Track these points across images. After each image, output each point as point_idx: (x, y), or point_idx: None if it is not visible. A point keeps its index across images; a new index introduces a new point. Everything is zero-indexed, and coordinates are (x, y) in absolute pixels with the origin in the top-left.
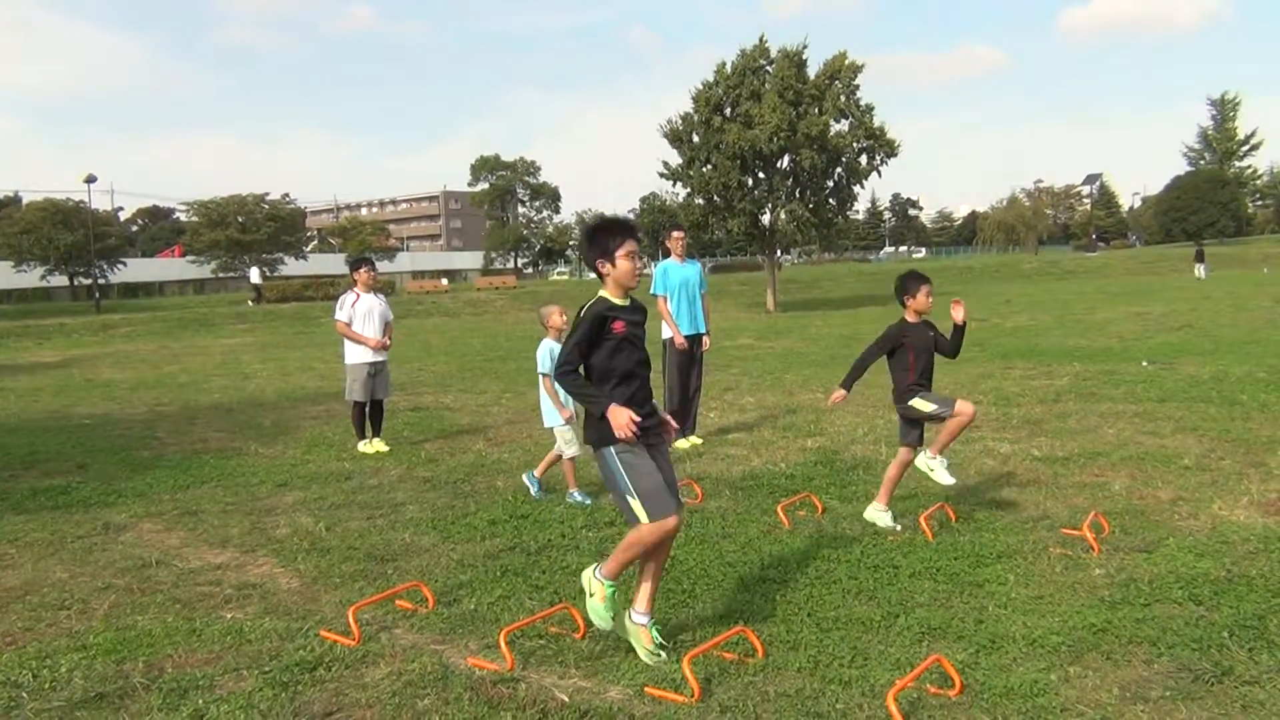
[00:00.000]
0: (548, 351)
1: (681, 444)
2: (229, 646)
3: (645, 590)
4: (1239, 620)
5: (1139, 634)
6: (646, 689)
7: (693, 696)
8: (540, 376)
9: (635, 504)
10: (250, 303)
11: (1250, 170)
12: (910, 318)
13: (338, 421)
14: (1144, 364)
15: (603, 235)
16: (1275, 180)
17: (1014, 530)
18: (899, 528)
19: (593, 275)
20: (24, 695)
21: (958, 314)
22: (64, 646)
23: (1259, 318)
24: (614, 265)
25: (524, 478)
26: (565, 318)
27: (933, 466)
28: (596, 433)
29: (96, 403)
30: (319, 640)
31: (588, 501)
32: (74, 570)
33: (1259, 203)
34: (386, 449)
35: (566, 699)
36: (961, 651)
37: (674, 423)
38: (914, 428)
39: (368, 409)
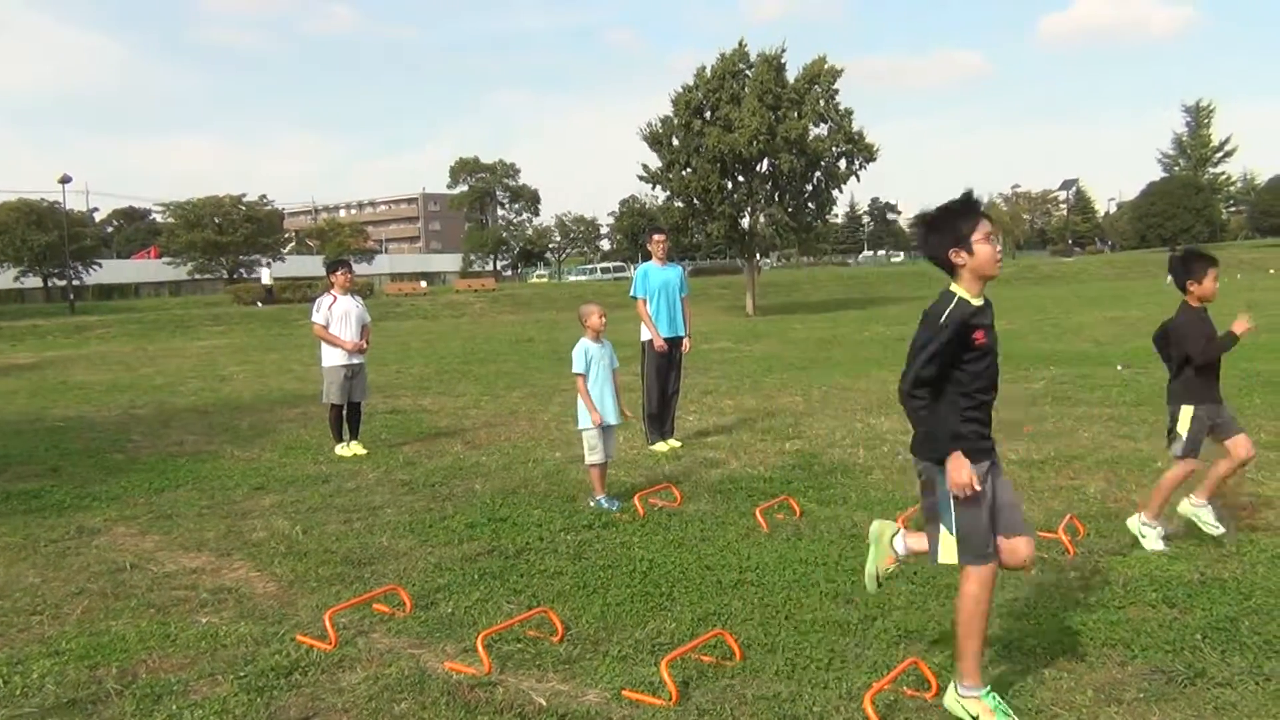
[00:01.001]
0: (583, 352)
1: (660, 447)
2: (204, 651)
3: (967, 655)
4: (1211, 622)
5: (1113, 636)
6: (624, 692)
7: (670, 700)
8: (576, 378)
9: (947, 542)
10: (259, 304)
11: (1224, 177)
12: (1193, 304)
13: (315, 424)
14: (1119, 368)
15: (952, 219)
16: (1249, 187)
17: None
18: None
19: (574, 278)
20: None
21: (1242, 326)
22: (36, 652)
23: (1231, 323)
24: (971, 252)
25: (598, 503)
26: (604, 319)
27: (1144, 534)
28: (932, 449)
29: (70, 405)
30: (295, 644)
31: (614, 506)
32: (46, 575)
33: (1233, 209)
34: (364, 452)
35: (544, 703)
36: (938, 654)
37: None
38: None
39: (345, 411)
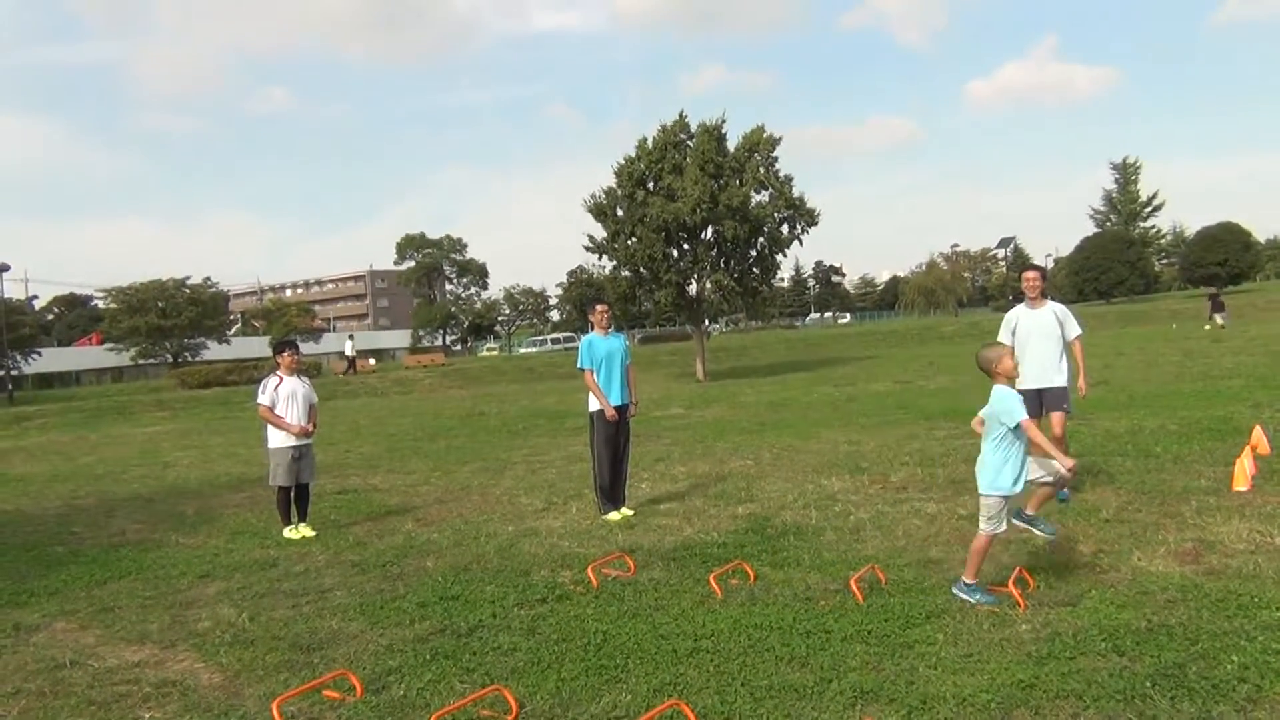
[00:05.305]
0: (1015, 403)
1: (613, 516)
2: None
3: None
4: (1160, 669)
5: (1065, 688)
6: None
7: None
8: (1008, 430)
9: None
10: (342, 374)
11: (1154, 230)
12: None
13: (262, 508)
14: None
15: None
16: (1178, 239)
17: (942, 590)
18: None
19: (525, 350)
20: None
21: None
22: None
23: (1169, 372)
24: None
25: (969, 589)
26: (1015, 360)
27: None
28: None
29: (8, 498)
30: None
31: (988, 600)
32: None
33: (1165, 261)
34: (313, 534)
35: None
36: (894, 714)
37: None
38: None
39: (293, 493)
